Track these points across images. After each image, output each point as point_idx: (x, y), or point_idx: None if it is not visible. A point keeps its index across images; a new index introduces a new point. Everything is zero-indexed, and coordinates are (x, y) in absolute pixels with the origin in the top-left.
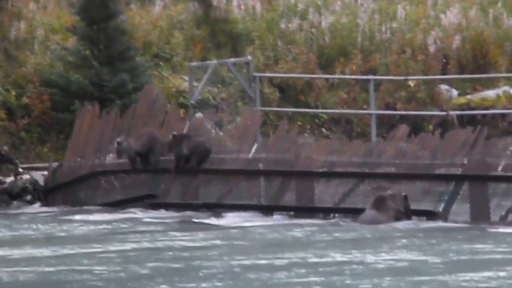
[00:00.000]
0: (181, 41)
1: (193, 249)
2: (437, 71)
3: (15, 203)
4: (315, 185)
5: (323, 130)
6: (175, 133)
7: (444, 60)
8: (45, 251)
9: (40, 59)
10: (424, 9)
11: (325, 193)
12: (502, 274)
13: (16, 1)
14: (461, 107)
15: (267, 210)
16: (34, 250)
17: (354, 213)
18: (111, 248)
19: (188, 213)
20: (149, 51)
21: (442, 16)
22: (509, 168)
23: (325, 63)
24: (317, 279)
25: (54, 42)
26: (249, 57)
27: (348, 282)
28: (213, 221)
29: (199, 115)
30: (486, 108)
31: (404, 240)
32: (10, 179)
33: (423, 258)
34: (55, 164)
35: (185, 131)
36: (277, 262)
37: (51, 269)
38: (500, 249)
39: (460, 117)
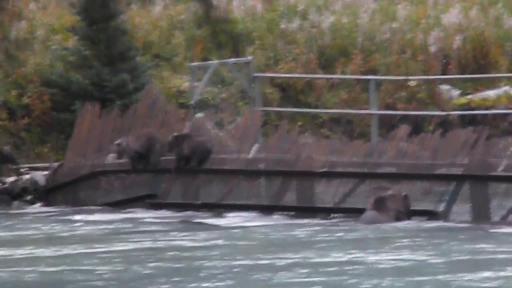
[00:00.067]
0: (182, 41)
1: (194, 249)
2: (438, 71)
3: (15, 203)
4: (316, 185)
5: (324, 130)
6: (176, 133)
7: (445, 60)
8: (46, 251)
9: (41, 59)
10: (425, 9)
11: (326, 193)
12: (503, 274)
13: (17, 1)
14: (461, 107)
15: (267, 210)
16: (35, 250)
17: (355, 213)
18: (113, 248)
19: (188, 213)
20: (149, 51)
21: (442, 16)
22: (509, 168)
23: (326, 63)
24: (318, 279)
25: (55, 42)
26: (249, 57)
27: (349, 282)
28: (213, 221)
29: (199, 115)
30: (487, 108)
31: (406, 240)
32: (10, 179)
33: (425, 258)
34: (55, 164)
35: (185, 131)
36: (279, 262)
37: (53, 269)
38: (501, 249)
39: (460, 117)
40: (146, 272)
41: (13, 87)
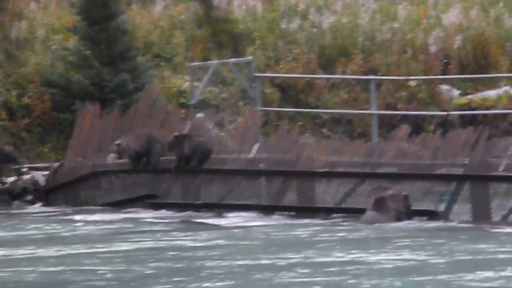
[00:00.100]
0: (182, 41)
1: (195, 249)
2: (438, 71)
3: (16, 203)
4: (316, 185)
5: (324, 130)
6: (176, 133)
7: (445, 60)
8: (47, 251)
9: (41, 59)
10: (425, 9)
11: (326, 193)
12: (504, 274)
13: (17, 1)
14: (462, 107)
15: (268, 210)
16: (35, 250)
17: (355, 213)
18: (113, 248)
19: (189, 213)
20: (150, 51)
21: (443, 16)
22: (510, 168)
23: (326, 63)
24: (319, 279)
25: (55, 42)
26: (250, 57)
27: (351, 282)
28: (214, 221)
29: (200, 115)
30: (487, 108)
31: (407, 240)
32: (11, 179)
33: (426, 258)
34: (56, 164)
35: (186, 131)
36: (280, 262)
37: (54, 269)
38: (502, 249)
39: (461, 117)
40: (147, 272)
41: (13, 87)
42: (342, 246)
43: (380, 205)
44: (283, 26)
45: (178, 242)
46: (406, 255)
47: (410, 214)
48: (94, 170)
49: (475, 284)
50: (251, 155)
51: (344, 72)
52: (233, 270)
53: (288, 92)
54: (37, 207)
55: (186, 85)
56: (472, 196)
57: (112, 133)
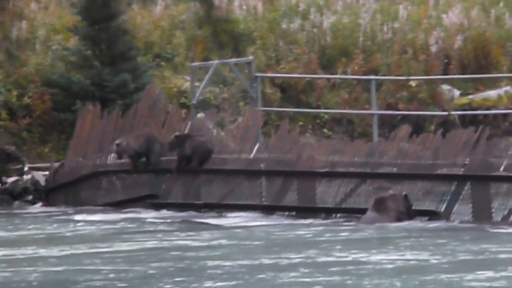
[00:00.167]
0: (183, 41)
1: (197, 249)
2: (439, 71)
3: (16, 203)
4: (317, 185)
5: (325, 130)
6: (177, 133)
7: (446, 60)
8: (48, 251)
9: (42, 59)
10: (426, 9)
11: (327, 193)
12: (505, 274)
13: (18, 1)
14: (462, 107)
15: (268, 210)
16: (37, 250)
17: (356, 213)
18: (115, 248)
19: (190, 213)
20: (150, 51)
21: (443, 16)
22: (511, 168)
23: (327, 63)
24: (321, 279)
25: (56, 42)
26: (250, 57)
27: (352, 282)
28: (215, 221)
29: (200, 115)
30: (488, 108)
31: (408, 240)
32: (11, 179)
33: (427, 258)
34: (56, 164)
35: (186, 131)
36: (281, 262)
37: (55, 269)
38: (503, 249)
39: (461, 117)
40: (149, 272)
41: (14, 87)
42: (344, 246)
43: (380, 205)
44: (284, 26)
45: (179, 242)
46: (408, 255)
47: (411, 213)
48: (94, 170)
49: (476, 284)
50: (251, 155)
51: (344, 72)
52: (234, 270)
53: (289, 92)
54: (37, 207)
55: (186, 85)
56: (473, 196)
57: (113, 133)
